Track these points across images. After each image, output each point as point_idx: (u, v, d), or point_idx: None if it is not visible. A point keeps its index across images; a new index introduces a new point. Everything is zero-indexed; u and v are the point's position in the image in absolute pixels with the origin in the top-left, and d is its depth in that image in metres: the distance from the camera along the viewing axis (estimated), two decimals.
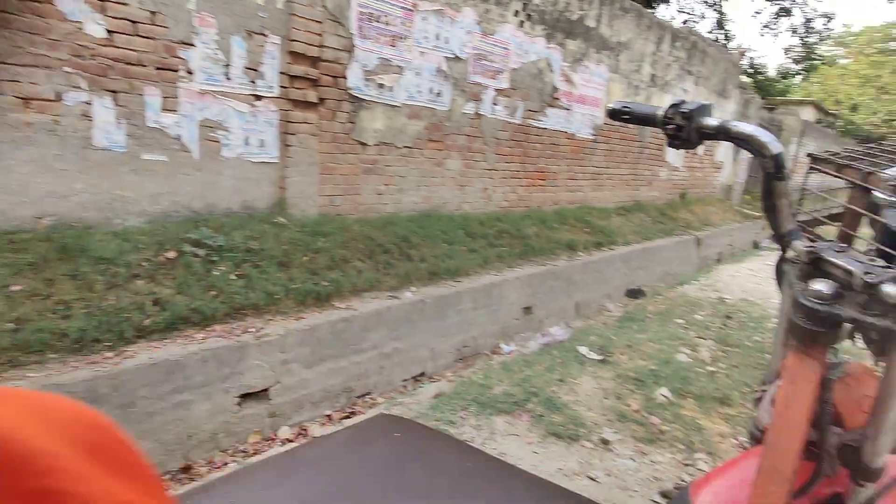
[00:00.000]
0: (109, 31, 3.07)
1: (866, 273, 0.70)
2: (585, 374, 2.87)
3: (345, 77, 4.23)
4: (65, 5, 2.88)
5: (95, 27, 3.01)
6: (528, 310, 5.01)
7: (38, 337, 2.44)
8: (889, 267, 0.71)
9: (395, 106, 4.68)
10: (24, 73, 2.82)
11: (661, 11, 16.33)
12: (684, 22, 17.12)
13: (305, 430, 3.16)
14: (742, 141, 0.85)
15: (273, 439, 3.03)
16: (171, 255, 3.21)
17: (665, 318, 4.05)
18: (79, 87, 3.00)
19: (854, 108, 25.46)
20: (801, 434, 0.77)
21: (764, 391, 1.00)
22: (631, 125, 0.95)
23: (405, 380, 3.85)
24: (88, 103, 3.05)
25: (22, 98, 2.84)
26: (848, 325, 0.76)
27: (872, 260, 0.74)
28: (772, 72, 17.66)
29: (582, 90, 6.83)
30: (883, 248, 0.86)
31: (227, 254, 3.38)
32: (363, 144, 4.51)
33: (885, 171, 0.91)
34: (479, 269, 4.76)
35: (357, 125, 4.42)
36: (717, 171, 11.37)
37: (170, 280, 3.07)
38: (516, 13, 5.63)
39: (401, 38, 4.58)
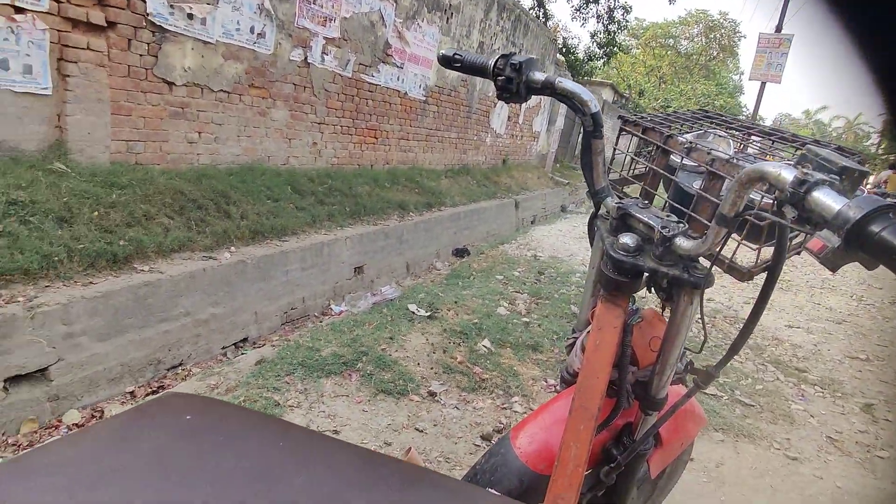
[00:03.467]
0: None
1: (663, 227, 0.77)
2: (414, 330, 2.93)
3: (143, 0, 3.58)
4: None
5: None
6: (359, 269, 4.94)
7: None
8: (680, 222, 0.79)
9: (209, 42, 4.12)
10: None
11: None
12: None
13: (101, 411, 2.73)
14: (566, 97, 0.87)
15: (56, 426, 2.56)
16: None
17: (487, 275, 4.32)
18: None
19: (641, 94, 29.61)
20: (606, 375, 0.83)
21: (575, 338, 1.08)
22: (463, 75, 0.93)
23: (225, 347, 3.54)
24: None
25: None
26: (646, 275, 0.84)
27: (668, 216, 0.82)
28: (581, 53, 19.59)
29: (414, 49, 6.79)
30: (675, 205, 0.96)
31: None
32: (169, 84, 3.91)
33: (681, 136, 1.02)
34: (307, 228, 4.53)
35: (161, 60, 3.81)
36: (534, 139, 12.36)
37: None
38: None
39: None
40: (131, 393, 2.94)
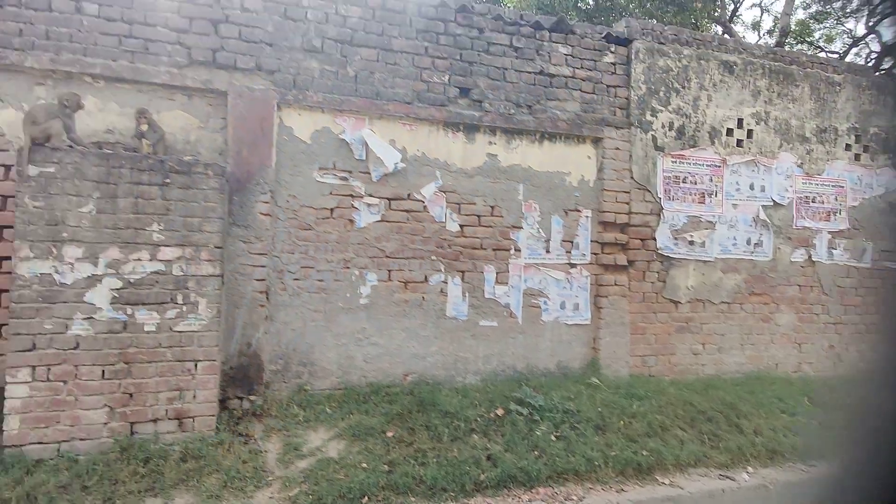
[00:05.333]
0: (461, 226, 3.90)
1: None
2: None
3: (653, 238, 4.33)
4: (435, 211, 3.83)
5: (453, 224, 3.87)
6: None
7: (404, 480, 2.90)
8: None
9: (708, 261, 4.49)
10: (406, 263, 3.76)
11: None
12: None
13: None
14: None
15: None
16: (500, 412, 3.54)
17: None
18: (439, 270, 3.83)
19: None
20: None
21: None
22: None
23: None
24: (445, 282, 3.84)
25: (403, 282, 3.76)
26: None
27: None
28: None
29: None
30: None
31: (546, 414, 3.54)
32: (675, 302, 4.39)
33: None
34: None
35: (668, 283, 4.37)
36: None
37: (499, 437, 3.35)
38: (847, 147, 5.00)
39: (710, 194, 4.52)
40: None
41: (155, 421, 2.88)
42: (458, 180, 3.89)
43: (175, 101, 3.31)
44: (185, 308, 2.94)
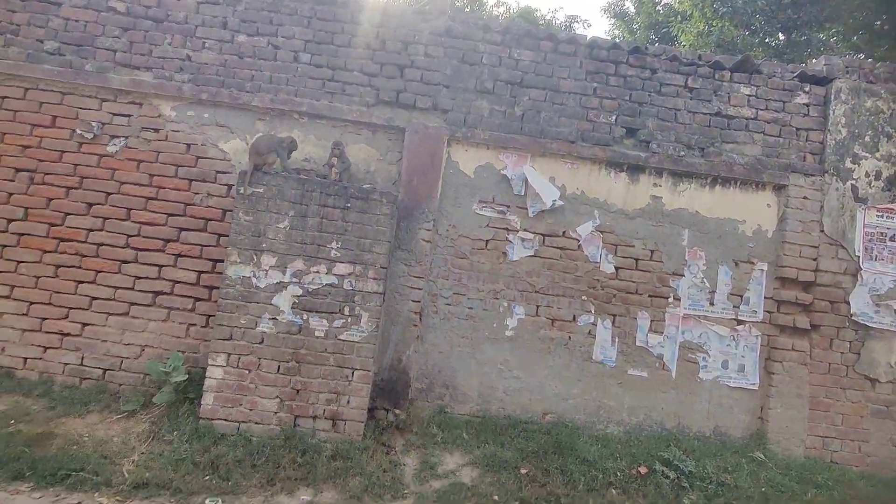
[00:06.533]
0: (617, 268, 3.77)
1: None
2: None
3: (846, 302, 3.74)
4: (589, 251, 3.76)
5: (607, 265, 3.76)
6: None
7: None
8: None
9: None
10: (555, 300, 3.73)
11: None
12: None
13: None
14: None
15: None
16: (643, 470, 3.29)
17: None
18: (589, 311, 3.73)
19: None
20: None
21: None
22: None
23: None
24: (594, 324, 3.73)
25: (550, 319, 3.73)
26: None
27: None
28: None
29: None
30: None
31: (697, 482, 3.21)
32: (872, 380, 3.72)
33: None
34: None
35: (863, 356, 3.73)
36: None
37: (640, 497, 3.11)
38: None
39: None
40: None
41: (314, 418, 3.20)
42: (617, 221, 3.79)
43: (361, 135, 3.74)
44: (349, 319, 3.26)
